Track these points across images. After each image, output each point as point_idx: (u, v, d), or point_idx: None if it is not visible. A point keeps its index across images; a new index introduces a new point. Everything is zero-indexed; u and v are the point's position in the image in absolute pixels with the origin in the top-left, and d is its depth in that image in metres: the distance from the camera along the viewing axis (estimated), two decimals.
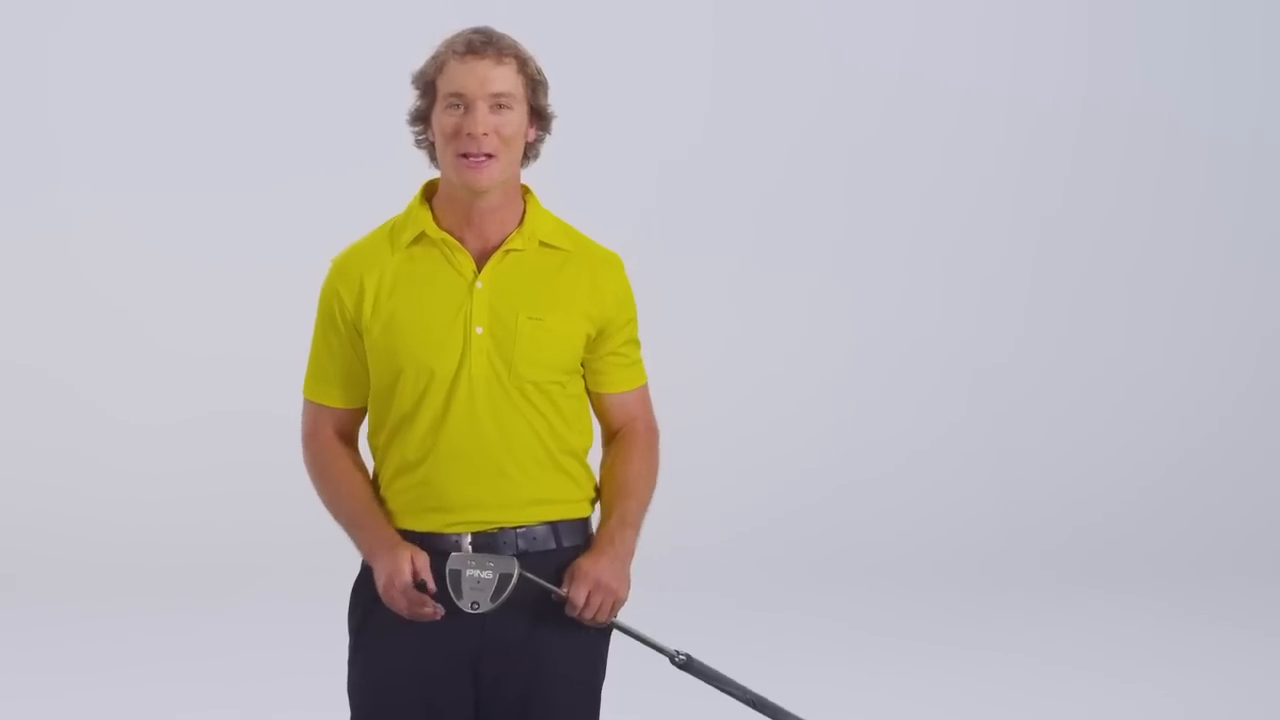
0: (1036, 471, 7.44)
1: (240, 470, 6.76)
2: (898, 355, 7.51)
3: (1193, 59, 7.70)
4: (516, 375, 2.66)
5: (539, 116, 2.69)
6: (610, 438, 2.82)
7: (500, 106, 2.62)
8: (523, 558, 2.62)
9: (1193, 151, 7.71)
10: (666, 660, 2.70)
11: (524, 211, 2.72)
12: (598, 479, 2.80)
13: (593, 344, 2.73)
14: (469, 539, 2.65)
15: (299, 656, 4.99)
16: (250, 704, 5.02)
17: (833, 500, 7.16)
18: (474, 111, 2.61)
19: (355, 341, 2.71)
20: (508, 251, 2.68)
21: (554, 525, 2.70)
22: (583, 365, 2.75)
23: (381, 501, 2.73)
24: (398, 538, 2.66)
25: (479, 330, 2.65)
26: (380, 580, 2.63)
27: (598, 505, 2.78)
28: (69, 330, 7.02)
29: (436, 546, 2.65)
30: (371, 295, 2.68)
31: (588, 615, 2.63)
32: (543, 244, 2.71)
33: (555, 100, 2.71)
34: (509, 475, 2.67)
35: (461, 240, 2.68)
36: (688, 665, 2.70)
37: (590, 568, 2.64)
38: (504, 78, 2.62)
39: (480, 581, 2.56)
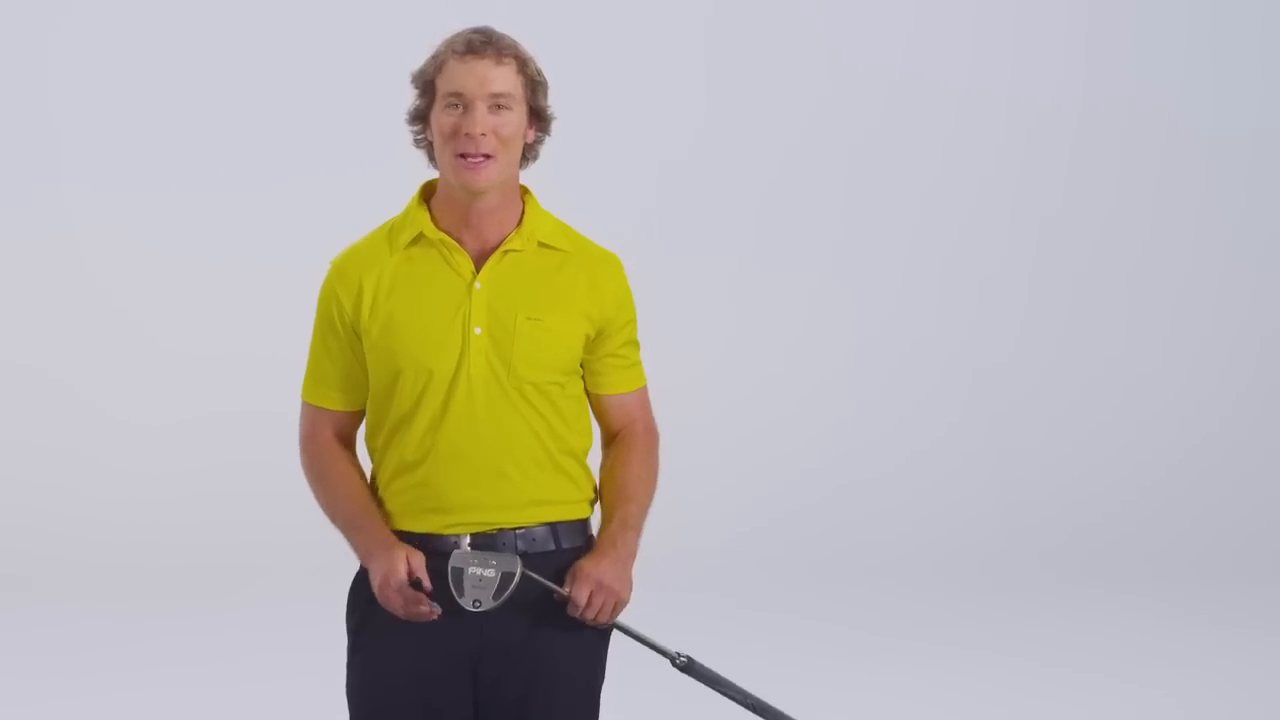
0: (1036, 471, 7.44)
1: (240, 470, 6.76)
2: (897, 355, 7.51)
3: (1192, 58, 7.70)
4: (515, 376, 2.66)
5: (538, 117, 2.68)
6: (610, 440, 2.81)
7: (499, 107, 2.61)
8: (523, 558, 2.62)
9: (1192, 151, 7.71)
10: (666, 662, 2.70)
11: (523, 212, 2.71)
12: (597, 481, 2.79)
13: (592, 345, 2.73)
14: (468, 540, 2.65)
15: (298, 657, 4.99)
16: (249, 705, 5.02)
17: (832, 500, 7.16)
18: (473, 111, 2.60)
19: (354, 343, 2.71)
20: (506, 252, 2.68)
21: (553, 526, 2.70)
22: (582, 366, 2.75)
23: (380, 503, 2.72)
24: (394, 538, 2.66)
25: (477, 331, 2.65)
26: (375, 580, 2.62)
27: (597, 507, 2.78)
28: (69, 330, 7.02)
29: (435, 548, 2.64)
30: (370, 296, 2.68)
31: (589, 616, 2.63)
32: (541, 244, 2.70)
33: (555, 100, 2.70)
34: (508, 476, 2.67)
35: (460, 241, 2.68)
36: (689, 668, 2.70)
37: (592, 569, 2.63)
38: (503, 78, 2.61)
39: (483, 579, 2.55)
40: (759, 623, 6.01)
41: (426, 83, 2.65)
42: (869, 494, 7.22)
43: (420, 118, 2.68)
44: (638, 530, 2.71)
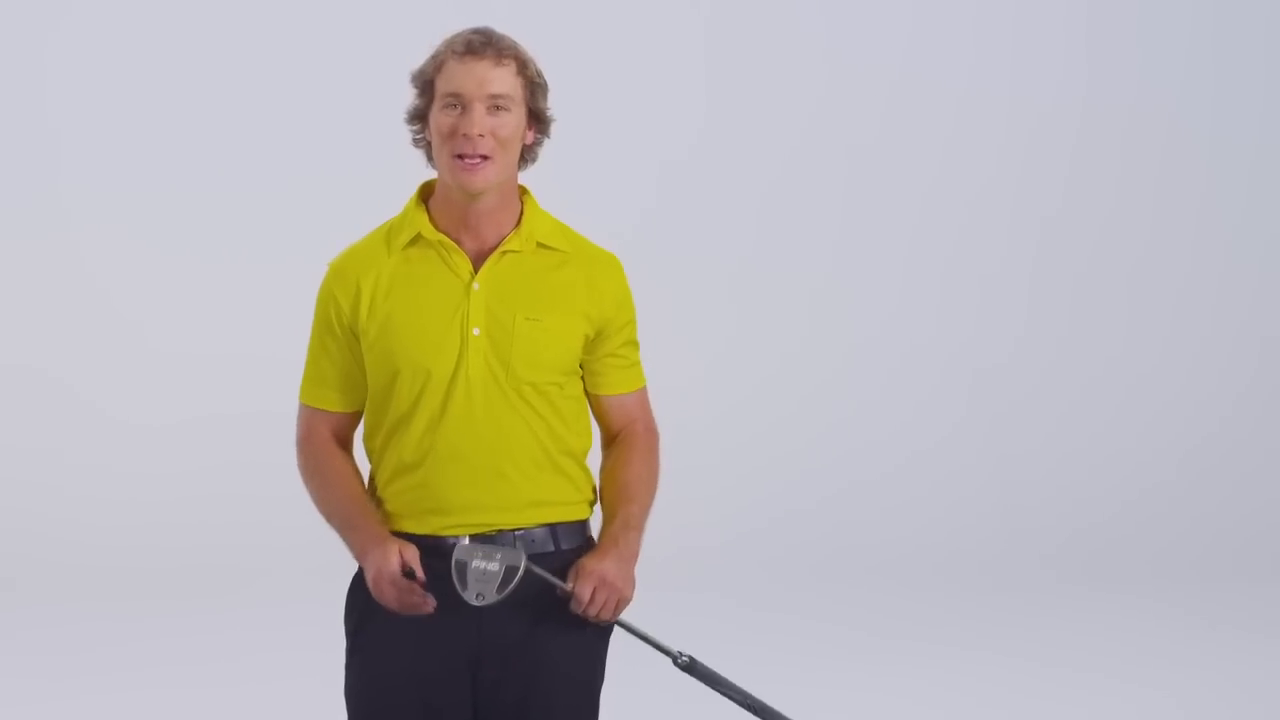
0: (1036, 472, 7.44)
1: (240, 471, 6.75)
2: (897, 355, 7.51)
3: (1193, 59, 7.70)
4: (514, 376, 2.65)
5: (537, 119, 2.68)
6: (609, 440, 2.81)
7: (498, 108, 2.61)
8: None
9: (1193, 151, 7.71)
10: (665, 664, 2.69)
11: (521, 213, 2.71)
12: (597, 482, 2.79)
13: (591, 345, 2.72)
14: (467, 541, 2.64)
15: (296, 658, 4.98)
16: (248, 706, 5.02)
17: (832, 501, 7.16)
18: (471, 112, 2.60)
19: (352, 344, 2.70)
20: (504, 253, 2.67)
21: (552, 527, 2.70)
22: (581, 367, 2.74)
23: (379, 503, 2.72)
24: (387, 533, 2.65)
25: (475, 332, 2.65)
26: (369, 574, 2.61)
27: (596, 508, 2.78)
28: (69, 331, 7.02)
29: (435, 549, 2.64)
30: (368, 297, 2.68)
31: (592, 612, 2.62)
32: (540, 245, 2.70)
33: (554, 100, 2.70)
34: (507, 477, 2.66)
35: (458, 242, 2.68)
36: (690, 667, 2.69)
37: (596, 565, 2.63)
38: (502, 79, 2.61)
39: (486, 573, 2.54)
40: (759, 623, 6.00)
41: (426, 82, 2.65)
42: (869, 494, 7.22)
43: (419, 117, 2.67)
44: (640, 530, 2.71)
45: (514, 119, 2.63)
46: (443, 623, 2.62)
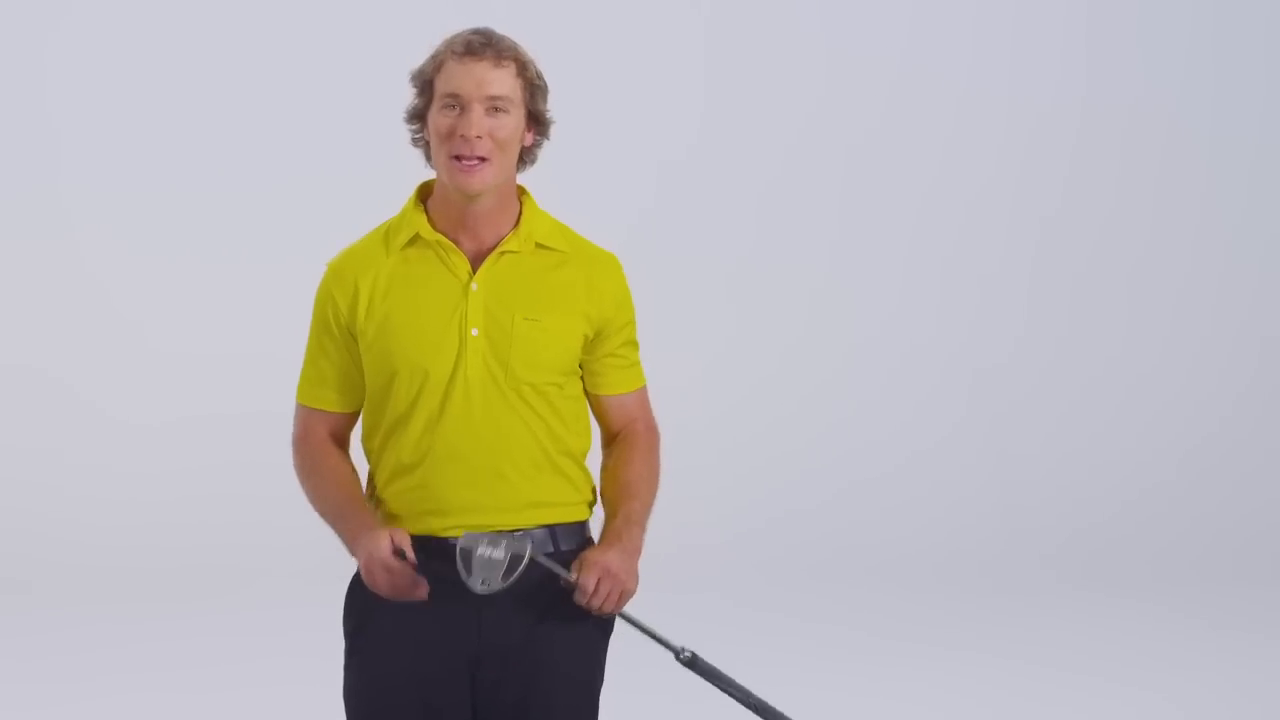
0: (1036, 473, 7.44)
1: (240, 471, 6.74)
2: (897, 355, 7.51)
3: (1193, 58, 7.70)
4: (513, 377, 2.65)
5: (537, 121, 2.67)
6: (610, 440, 2.81)
7: (496, 110, 2.60)
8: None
9: (1193, 151, 7.71)
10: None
11: (520, 213, 2.70)
12: (597, 482, 2.78)
13: (590, 345, 2.72)
14: (471, 530, 2.63)
15: (296, 660, 4.98)
16: (248, 707, 5.01)
17: (832, 502, 7.16)
18: (469, 113, 2.59)
19: (350, 345, 2.70)
20: (503, 253, 2.67)
21: (551, 528, 2.69)
22: (580, 367, 2.74)
23: (379, 504, 2.71)
24: (378, 522, 2.65)
25: (474, 332, 2.64)
26: (361, 560, 2.60)
27: (595, 509, 2.77)
28: (69, 331, 7.02)
29: (435, 551, 2.63)
30: (366, 298, 2.67)
31: (596, 603, 2.61)
32: (539, 245, 2.69)
33: (553, 100, 2.69)
34: (506, 478, 2.66)
35: (456, 242, 2.67)
36: (692, 663, 2.68)
37: (600, 556, 2.62)
38: (501, 81, 2.60)
39: (491, 561, 2.53)
40: (758, 624, 6.00)
41: (425, 82, 2.64)
42: (869, 495, 7.22)
43: (418, 116, 2.67)
44: (642, 526, 2.70)
45: (512, 121, 2.62)
46: (442, 623, 2.61)
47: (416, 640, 2.64)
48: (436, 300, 2.65)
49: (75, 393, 6.99)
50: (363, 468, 2.76)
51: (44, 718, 4.94)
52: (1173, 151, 7.70)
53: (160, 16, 7.07)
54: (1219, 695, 5.29)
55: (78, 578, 6.44)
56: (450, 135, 2.60)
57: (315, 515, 2.74)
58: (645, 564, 2.71)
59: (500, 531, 2.63)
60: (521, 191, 2.73)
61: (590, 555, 2.63)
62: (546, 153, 2.73)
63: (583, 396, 2.76)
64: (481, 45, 2.61)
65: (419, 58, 2.68)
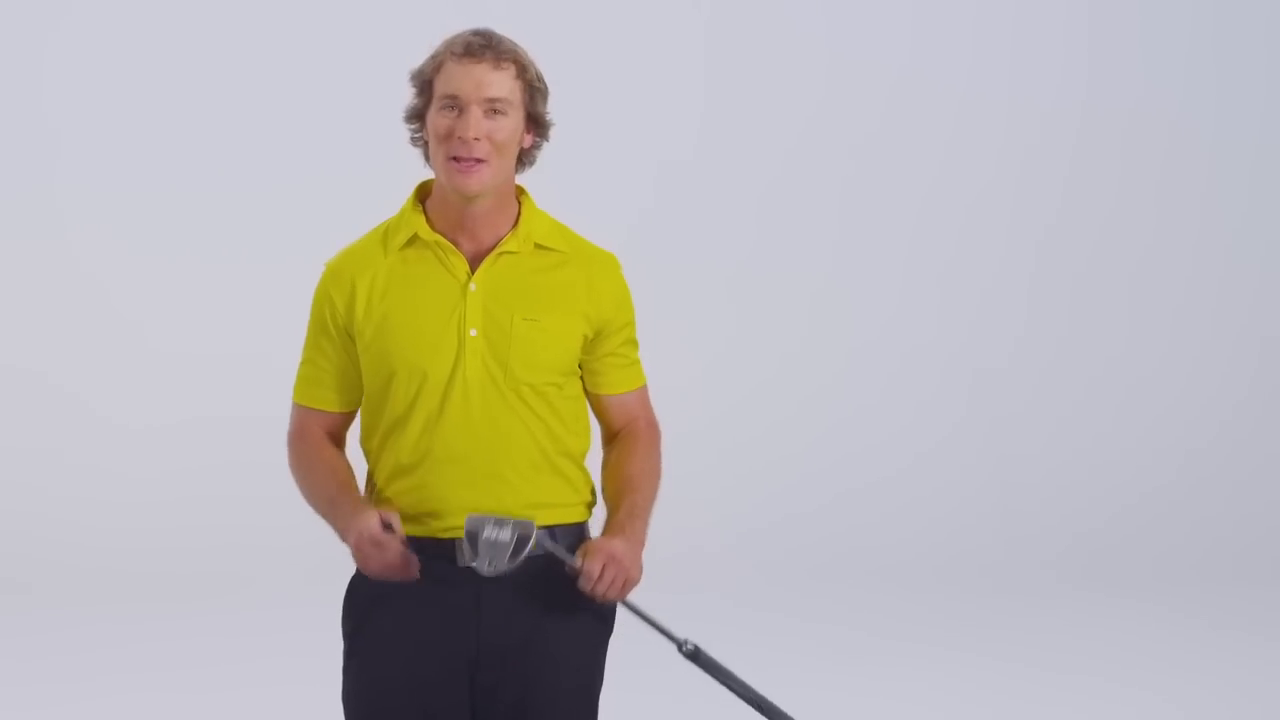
0: (1036, 475, 7.43)
1: (239, 473, 6.73)
2: (897, 358, 7.50)
3: (1194, 61, 7.70)
4: (512, 377, 2.65)
5: (536, 123, 2.66)
6: (611, 439, 2.80)
7: (495, 111, 2.59)
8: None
9: (1194, 153, 7.71)
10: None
11: (518, 213, 2.70)
12: (598, 480, 2.78)
13: (590, 345, 2.72)
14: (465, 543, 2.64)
15: (295, 662, 4.97)
16: (248, 708, 5.01)
17: (832, 504, 7.15)
18: (467, 115, 2.59)
19: (348, 345, 2.69)
20: (501, 254, 2.66)
21: (551, 530, 2.68)
22: (580, 367, 2.73)
23: (381, 503, 2.70)
24: (367, 503, 2.64)
25: (473, 333, 2.64)
26: (351, 542, 2.59)
27: (595, 510, 2.77)
28: (68, 333, 7.01)
29: (433, 552, 2.63)
30: (364, 298, 2.67)
31: (600, 589, 2.60)
32: (538, 246, 2.69)
33: (553, 100, 2.69)
34: (505, 479, 2.65)
35: (455, 243, 2.67)
36: (695, 656, 2.67)
37: (605, 543, 2.61)
38: (500, 82, 2.60)
39: (498, 542, 2.53)
40: (758, 625, 6.00)
41: (424, 82, 2.64)
42: (868, 497, 7.21)
43: (417, 116, 2.66)
44: (645, 520, 2.69)
45: (511, 123, 2.61)
46: (441, 624, 2.61)
47: (415, 641, 2.64)
48: (435, 301, 2.65)
49: (75, 394, 6.98)
50: (361, 469, 2.76)
51: (44, 718, 4.94)
52: (1173, 154, 7.70)
53: (159, 17, 7.07)
54: (1219, 696, 5.28)
55: (78, 578, 6.44)
56: (448, 136, 2.59)
57: (315, 517, 2.73)
58: (646, 564, 2.71)
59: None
60: (520, 192, 2.72)
61: (596, 542, 2.63)
62: (546, 153, 2.73)
63: (582, 397, 2.76)
64: (481, 47, 2.60)
65: (419, 58, 2.67)
